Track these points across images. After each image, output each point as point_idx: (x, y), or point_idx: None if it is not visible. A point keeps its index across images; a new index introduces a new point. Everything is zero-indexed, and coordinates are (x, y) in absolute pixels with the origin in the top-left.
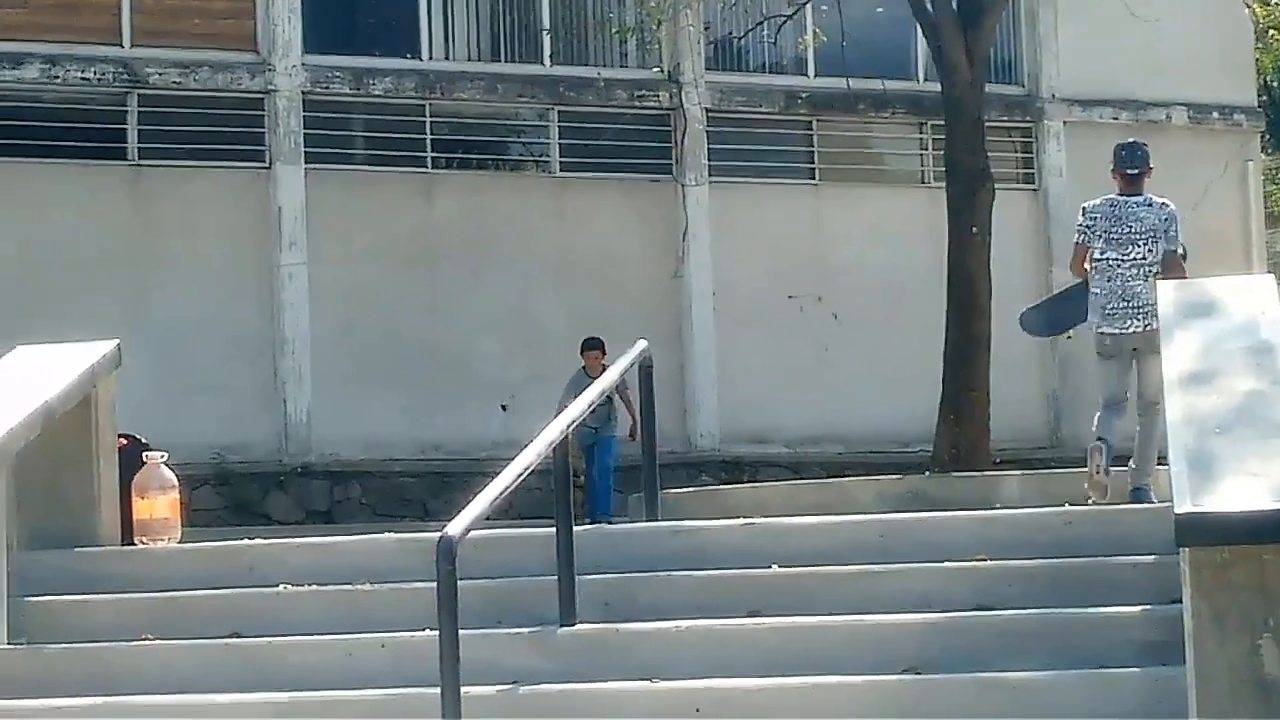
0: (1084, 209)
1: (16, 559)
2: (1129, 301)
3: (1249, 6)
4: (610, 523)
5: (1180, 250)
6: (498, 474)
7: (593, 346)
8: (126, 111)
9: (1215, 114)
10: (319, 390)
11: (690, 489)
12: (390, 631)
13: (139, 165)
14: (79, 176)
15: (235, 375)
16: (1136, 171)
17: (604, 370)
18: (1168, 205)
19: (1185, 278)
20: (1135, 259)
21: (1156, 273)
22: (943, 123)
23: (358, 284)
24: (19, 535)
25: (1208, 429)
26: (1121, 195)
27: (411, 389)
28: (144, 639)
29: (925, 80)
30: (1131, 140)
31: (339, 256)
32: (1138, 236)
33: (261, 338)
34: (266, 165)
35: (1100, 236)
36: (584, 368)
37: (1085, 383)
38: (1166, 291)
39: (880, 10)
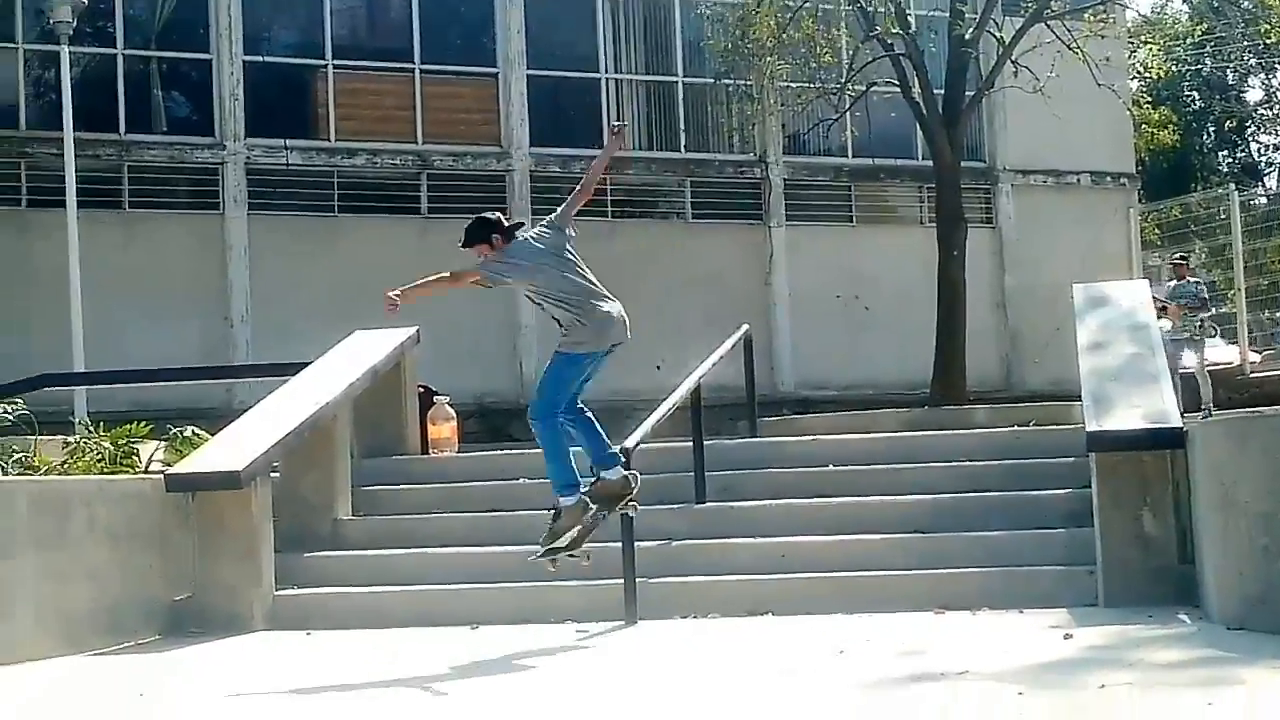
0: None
1: (356, 463)
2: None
3: (1129, 110)
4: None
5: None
6: (654, 409)
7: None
8: (419, 185)
9: (1108, 178)
10: (541, 358)
11: (775, 417)
12: None
13: (427, 218)
14: (388, 227)
15: (490, 349)
16: (1183, 262)
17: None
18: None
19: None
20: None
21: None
22: (934, 186)
23: None
24: (357, 448)
25: (1106, 378)
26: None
27: None
28: (434, 513)
29: (923, 159)
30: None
31: None
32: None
33: (505, 325)
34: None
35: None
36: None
37: (1025, 348)
38: (1079, 290)
39: (893, 115)
